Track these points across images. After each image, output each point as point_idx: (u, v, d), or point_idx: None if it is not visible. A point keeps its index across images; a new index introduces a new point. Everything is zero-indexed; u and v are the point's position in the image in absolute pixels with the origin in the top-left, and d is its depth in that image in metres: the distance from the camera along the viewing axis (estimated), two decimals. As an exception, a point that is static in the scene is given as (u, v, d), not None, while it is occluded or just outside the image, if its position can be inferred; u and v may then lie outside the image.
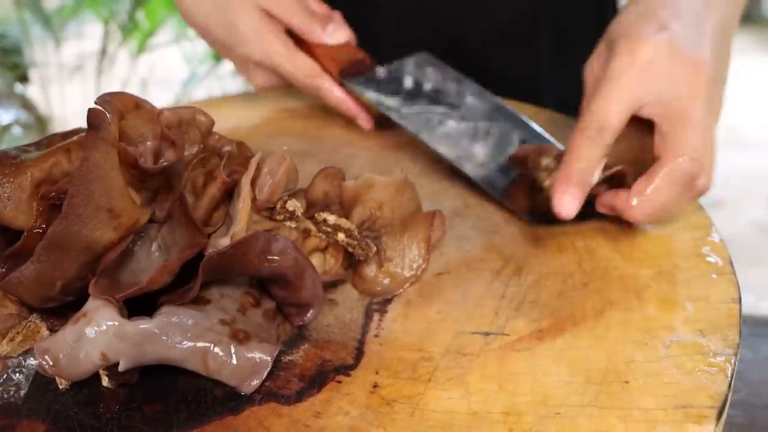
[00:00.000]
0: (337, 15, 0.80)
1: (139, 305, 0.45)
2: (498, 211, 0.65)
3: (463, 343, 0.49)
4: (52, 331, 0.47)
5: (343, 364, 0.47)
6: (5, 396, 0.45)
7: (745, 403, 0.77)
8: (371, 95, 0.77)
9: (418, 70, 0.80)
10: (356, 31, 0.82)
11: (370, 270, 0.55)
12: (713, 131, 0.59)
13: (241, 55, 0.78)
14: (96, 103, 0.46)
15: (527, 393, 0.45)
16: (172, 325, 0.43)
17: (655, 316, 0.51)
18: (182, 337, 0.43)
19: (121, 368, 0.43)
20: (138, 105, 0.49)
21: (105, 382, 0.45)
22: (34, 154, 0.48)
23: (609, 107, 0.57)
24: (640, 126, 0.59)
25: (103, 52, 2.89)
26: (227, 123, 0.84)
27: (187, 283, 0.45)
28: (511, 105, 0.76)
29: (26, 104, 2.79)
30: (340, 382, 0.46)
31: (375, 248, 0.55)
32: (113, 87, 2.84)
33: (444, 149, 0.71)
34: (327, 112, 0.88)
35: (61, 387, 0.45)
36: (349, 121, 0.84)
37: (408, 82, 0.79)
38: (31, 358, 0.47)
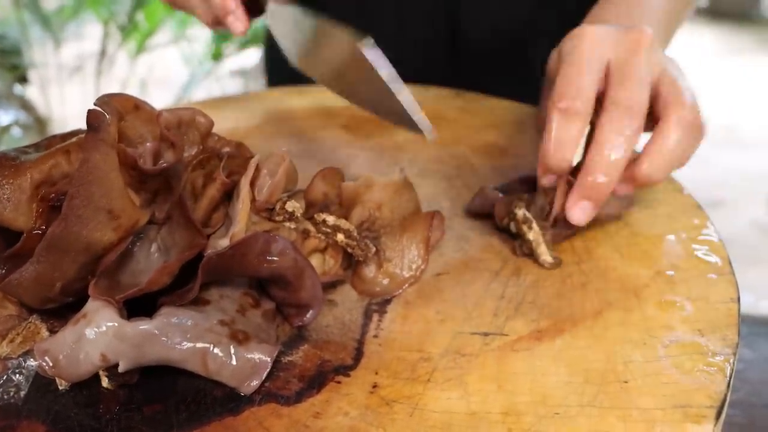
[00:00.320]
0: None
1: (138, 306, 0.45)
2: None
3: (462, 344, 0.49)
4: (52, 332, 0.47)
5: (342, 364, 0.48)
6: (5, 397, 0.45)
7: (744, 403, 0.77)
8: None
9: None
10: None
11: (370, 270, 0.55)
12: (669, 72, 0.61)
13: None
14: (95, 104, 0.46)
15: (526, 393, 0.45)
16: (172, 326, 0.43)
17: (653, 316, 0.51)
18: (182, 338, 0.43)
19: (120, 369, 0.43)
20: (137, 106, 0.49)
21: (105, 383, 0.45)
22: (34, 155, 0.48)
23: (576, 79, 0.60)
24: None
25: (103, 52, 2.89)
26: (226, 124, 0.84)
27: (186, 284, 0.45)
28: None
29: (25, 105, 2.79)
30: (339, 382, 0.46)
31: (374, 249, 0.55)
32: (113, 88, 2.84)
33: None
34: (327, 112, 0.88)
35: (61, 388, 0.45)
36: (349, 122, 0.84)
37: None
38: (31, 359, 0.48)
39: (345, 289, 0.55)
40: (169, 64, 3.36)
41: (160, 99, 2.85)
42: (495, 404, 0.44)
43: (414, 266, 0.56)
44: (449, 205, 0.67)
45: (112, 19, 2.83)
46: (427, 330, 0.51)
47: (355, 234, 0.53)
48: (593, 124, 0.60)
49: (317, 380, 0.46)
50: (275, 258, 0.46)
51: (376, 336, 0.50)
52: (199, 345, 0.44)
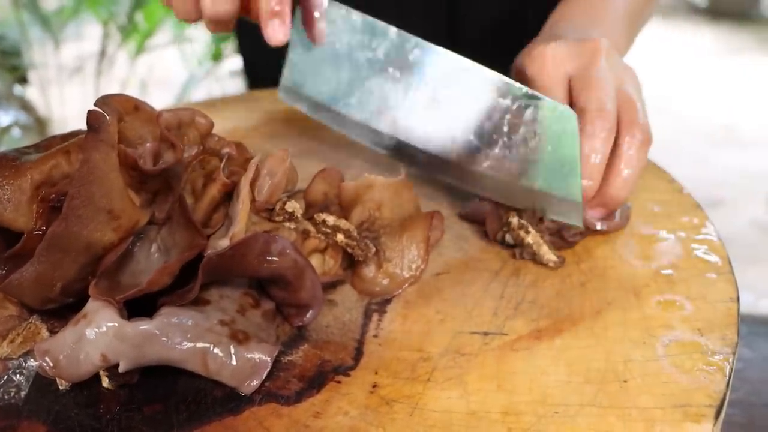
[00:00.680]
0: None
1: (139, 307, 0.45)
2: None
3: (462, 343, 0.49)
4: (53, 332, 0.47)
5: (342, 364, 0.48)
6: (6, 397, 0.45)
7: (744, 402, 0.77)
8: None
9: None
10: None
11: (369, 270, 0.55)
12: (625, 88, 0.63)
13: None
14: (95, 105, 0.46)
15: (526, 392, 0.45)
16: (172, 326, 0.44)
17: (653, 316, 0.52)
18: (182, 337, 0.44)
19: (121, 369, 0.43)
20: (137, 107, 0.49)
21: (105, 383, 0.45)
22: (34, 156, 0.48)
23: (551, 95, 0.62)
24: None
25: (102, 53, 2.89)
26: (226, 124, 0.84)
27: (186, 284, 0.45)
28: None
29: (25, 106, 2.79)
30: (339, 382, 0.46)
31: (374, 249, 0.55)
32: (112, 88, 2.84)
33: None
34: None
35: (61, 388, 0.46)
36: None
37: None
38: (32, 360, 0.48)
39: (345, 289, 0.55)
40: (169, 64, 3.36)
41: (160, 99, 2.85)
42: (495, 404, 0.44)
43: (414, 266, 0.56)
44: (448, 205, 0.67)
45: (111, 20, 2.83)
46: (427, 330, 0.51)
47: (355, 234, 0.54)
48: None
49: (317, 380, 0.46)
50: (275, 258, 0.46)
51: (376, 336, 0.50)
52: (200, 345, 0.44)
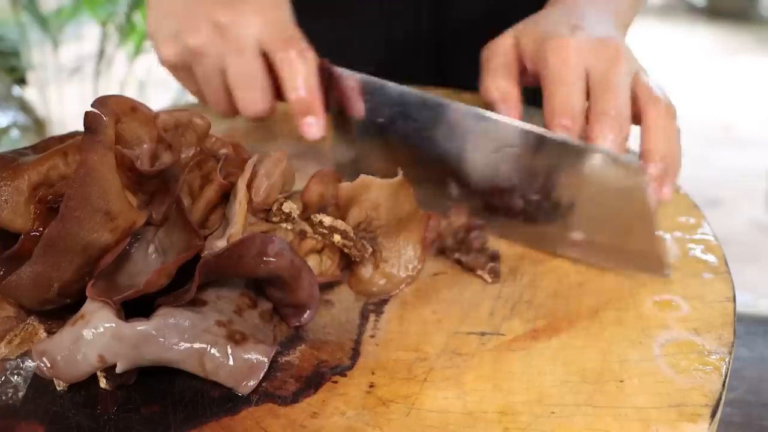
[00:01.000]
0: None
1: (136, 307, 0.45)
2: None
3: (459, 343, 0.49)
4: (50, 333, 0.47)
5: (339, 364, 0.48)
6: (3, 398, 0.45)
7: (741, 402, 0.77)
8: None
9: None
10: (334, 29, 0.80)
11: (366, 271, 0.55)
12: (643, 79, 0.64)
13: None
14: (92, 106, 0.46)
15: (523, 392, 0.45)
16: (169, 327, 0.44)
17: (649, 316, 0.52)
18: (179, 338, 0.44)
19: (118, 370, 0.43)
20: (134, 108, 0.49)
21: (102, 383, 0.45)
22: (31, 157, 0.48)
23: (569, 98, 0.62)
24: None
25: (101, 54, 2.89)
26: (224, 124, 0.84)
27: (184, 284, 0.45)
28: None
29: (24, 107, 2.79)
30: (336, 382, 0.46)
31: (371, 249, 0.55)
32: (111, 89, 2.84)
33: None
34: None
35: (59, 389, 0.46)
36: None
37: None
38: (30, 361, 0.48)
39: (342, 289, 0.56)
40: (168, 65, 3.36)
41: (158, 100, 2.86)
42: (491, 404, 0.44)
43: (410, 266, 0.56)
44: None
45: (110, 21, 2.83)
46: (424, 330, 0.51)
47: (352, 234, 0.54)
48: None
49: (314, 380, 0.46)
50: (272, 259, 0.46)
51: (372, 336, 0.50)
52: (196, 345, 0.44)
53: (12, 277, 0.43)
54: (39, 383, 0.46)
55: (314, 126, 0.68)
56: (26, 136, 2.63)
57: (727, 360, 0.47)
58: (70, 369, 0.43)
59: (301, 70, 0.67)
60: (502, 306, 0.53)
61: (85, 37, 3.31)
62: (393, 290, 0.55)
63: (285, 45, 0.67)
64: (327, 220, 0.53)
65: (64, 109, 2.91)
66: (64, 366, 0.43)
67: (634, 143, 0.62)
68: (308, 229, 0.53)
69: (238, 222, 0.50)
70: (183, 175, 0.51)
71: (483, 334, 0.50)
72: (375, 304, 0.54)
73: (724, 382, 0.46)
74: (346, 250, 0.54)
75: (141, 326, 0.43)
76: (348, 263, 0.56)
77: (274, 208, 0.53)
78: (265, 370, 0.45)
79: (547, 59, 0.65)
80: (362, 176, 0.56)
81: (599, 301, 0.53)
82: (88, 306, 0.44)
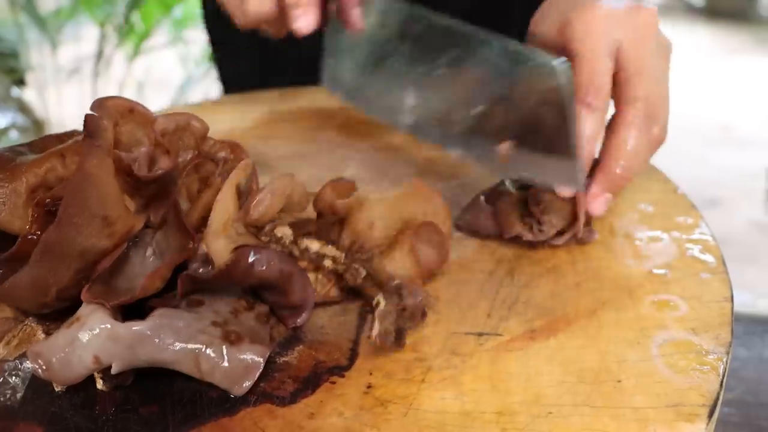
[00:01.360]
0: None
1: (134, 309, 0.45)
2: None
3: (457, 344, 0.49)
4: (48, 334, 0.47)
5: (337, 365, 0.48)
6: (2, 399, 0.45)
7: (739, 401, 0.77)
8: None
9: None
10: None
11: (368, 286, 0.53)
12: (666, 79, 0.63)
13: None
14: (91, 108, 0.46)
15: (520, 393, 0.45)
16: (164, 327, 0.44)
17: (647, 316, 0.52)
18: (174, 338, 0.44)
19: (113, 371, 0.43)
20: (132, 109, 0.49)
21: (100, 384, 0.45)
22: (29, 157, 0.48)
23: (595, 71, 0.60)
24: None
25: (100, 54, 2.89)
26: (222, 126, 0.84)
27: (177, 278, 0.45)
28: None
29: (23, 108, 2.79)
30: (334, 383, 0.46)
31: (364, 273, 0.53)
32: (110, 90, 2.84)
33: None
34: (322, 114, 0.88)
35: (57, 390, 0.46)
36: (344, 123, 0.85)
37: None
38: (28, 362, 0.48)
39: (340, 290, 0.55)
40: (166, 65, 3.36)
41: (157, 101, 2.86)
42: (489, 404, 0.44)
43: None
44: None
45: (108, 21, 2.83)
46: (422, 330, 0.51)
47: (342, 260, 0.52)
48: None
49: (312, 381, 0.46)
50: (261, 270, 0.46)
51: (370, 336, 0.50)
52: (191, 346, 0.44)
53: (9, 281, 0.44)
54: (37, 384, 0.46)
55: (301, 19, 0.69)
56: (25, 137, 2.63)
57: (724, 360, 0.47)
58: (66, 371, 0.43)
59: None
60: (500, 306, 0.53)
61: (83, 38, 3.31)
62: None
63: None
64: (314, 246, 0.52)
65: (63, 109, 2.91)
66: (60, 368, 0.43)
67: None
68: (297, 253, 0.52)
69: (216, 222, 0.48)
70: (181, 179, 0.51)
71: (481, 334, 0.50)
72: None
73: (722, 382, 0.46)
74: (340, 272, 0.53)
75: (136, 327, 0.43)
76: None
77: (267, 228, 0.51)
78: (260, 370, 0.45)
79: (572, 30, 0.62)
80: (356, 194, 0.55)
81: (597, 301, 0.53)
82: (84, 308, 0.44)
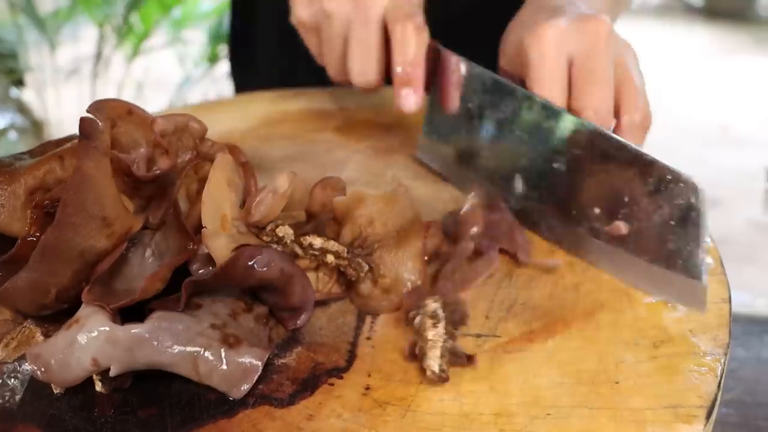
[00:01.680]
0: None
1: (133, 311, 0.46)
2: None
3: (464, 350, 0.49)
4: (47, 336, 0.47)
5: (335, 366, 0.48)
6: (0, 401, 0.45)
7: (738, 402, 0.78)
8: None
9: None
10: None
11: (366, 287, 0.53)
12: (633, 68, 0.64)
13: None
14: (88, 110, 0.46)
15: (518, 394, 0.45)
16: (163, 330, 0.44)
17: (645, 317, 0.52)
18: (173, 341, 0.44)
19: (112, 373, 0.43)
20: (130, 111, 0.50)
21: (98, 386, 0.45)
22: (28, 161, 0.48)
23: (552, 88, 0.62)
24: None
25: (98, 55, 2.89)
26: (221, 127, 0.84)
27: (181, 285, 0.45)
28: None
29: (22, 108, 2.79)
30: (332, 384, 0.46)
31: (367, 267, 0.53)
32: (109, 90, 2.84)
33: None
34: (320, 115, 0.88)
35: (56, 392, 0.46)
36: (342, 125, 0.85)
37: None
38: (26, 364, 0.48)
39: (339, 291, 0.56)
40: (165, 66, 3.36)
41: (155, 101, 2.86)
42: (487, 405, 0.44)
43: (409, 282, 0.54)
44: (443, 208, 0.67)
45: (107, 22, 2.83)
46: (420, 332, 0.51)
47: (345, 254, 0.53)
48: None
49: (310, 382, 0.46)
50: (261, 270, 0.46)
51: (369, 338, 0.51)
52: (190, 349, 0.44)
53: (8, 283, 0.44)
54: (36, 386, 0.46)
55: (410, 98, 0.70)
56: (24, 138, 2.63)
57: (722, 361, 0.47)
58: (64, 373, 0.43)
59: (412, 42, 0.69)
60: (498, 308, 0.53)
61: (82, 38, 3.31)
62: (393, 307, 0.53)
63: (405, 18, 0.69)
64: (317, 242, 0.52)
65: (62, 110, 2.90)
66: (58, 369, 0.43)
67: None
68: (300, 251, 0.52)
69: (209, 220, 0.48)
70: (180, 180, 0.51)
71: (479, 336, 0.50)
72: (371, 307, 0.54)
73: (720, 383, 0.46)
74: (342, 269, 0.53)
75: (135, 329, 0.43)
76: (348, 279, 0.55)
77: (268, 228, 0.51)
78: (259, 373, 0.45)
79: (526, 54, 0.64)
80: (354, 190, 0.55)
81: (595, 302, 0.53)
82: (83, 310, 0.44)
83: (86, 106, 0.47)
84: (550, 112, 0.61)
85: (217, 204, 0.49)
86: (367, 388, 0.46)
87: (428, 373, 0.46)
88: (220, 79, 3.02)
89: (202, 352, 0.44)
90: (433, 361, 0.46)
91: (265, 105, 0.92)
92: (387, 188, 0.57)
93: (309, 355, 0.49)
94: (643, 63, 0.66)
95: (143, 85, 3.05)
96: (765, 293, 2.19)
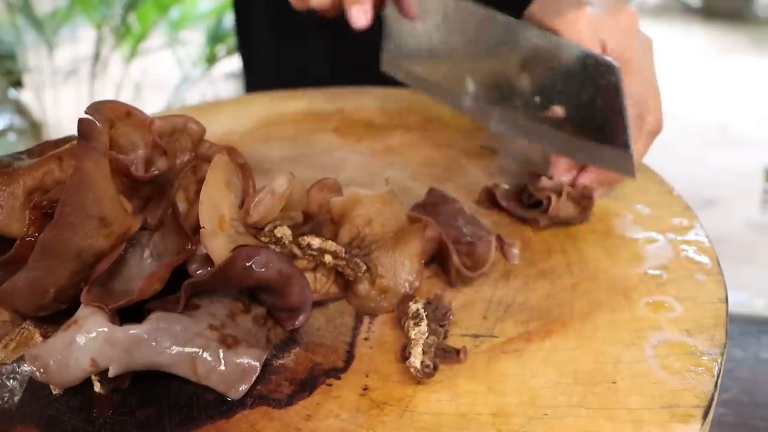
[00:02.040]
0: None
1: (131, 309, 0.46)
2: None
3: (452, 346, 0.49)
4: (46, 337, 0.47)
5: (333, 367, 0.48)
6: (0, 402, 0.46)
7: (735, 402, 0.78)
8: None
9: None
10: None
11: (363, 287, 0.54)
12: (652, 71, 0.66)
13: None
14: (86, 112, 0.46)
15: (515, 394, 0.45)
16: (161, 331, 0.44)
17: (642, 317, 0.52)
18: (171, 342, 0.44)
19: (110, 374, 0.43)
20: (129, 112, 0.50)
21: (97, 387, 0.45)
22: (26, 162, 0.48)
23: None
24: None
25: (97, 56, 2.88)
26: (220, 128, 0.85)
27: (179, 286, 0.45)
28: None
29: (20, 109, 2.79)
30: (330, 385, 0.46)
31: (365, 267, 0.53)
32: (107, 91, 2.84)
33: None
34: (319, 116, 0.88)
35: (55, 393, 0.46)
36: (340, 126, 0.85)
37: None
38: (25, 365, 0.48)
39: (337, 292, 0.56)
40: (163, 67, 3.36)
41: (154, 102, 2.86)
42: (484, 405, 0.44)
43: (408, 283, 0.54)
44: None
45: (105, 22, 2.83)
46: (418, 332, 0.51)
47: (343, 254, 0.53)
48: None
49: (308, 383, 0.47)
50: (259, 270, 0.47)
51: (366, 339, 0.51)
52: (188, 349, 0.44)
53: (7, 284, 0.44)
54: (35, 387, 0.46)
55: (360, 16, 0.71)
56: (22, 139, 2.63)
57: (719, 361, 0.47)
58: (63, 373, 0.43)
59: None
60: (496, 308, 0.53)
61: (80, 39, 3.30)
62: (390, 308, 0.53)
63: None
64: (315, 242, 0.52)
65: (60, 111, 2.90)
66: (57, 370, 0.43)
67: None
68: (298, 252, 0.52)
69: (206, 221, 0.48)
70: (178, 181, 0.51)
71: (476, 336, 0.50)
72: (369, 307, 0.54)
73: (716, 383, 0.46)
74: (339, 269, 0.53)
75: (133, 330, 0.43)
76: (346, 279, 0.55)
77: (267, 228, 0.52)
78: (257, 374, 0.45)
79: (560, 36, 0.65)
80: (351, 191, 0.55)
81: (592, 302, 0.54)
82: (82, 311, 0.44)
83: (84, 107, 0.47)
84: (511, 27, 0.67)
85: (215, 204, 0.49)
86: (365, 389, 0.46)
87: (411, 370, 0.46)
88: (218, 80, 3.02)
89: (200, 353, 0.44)
90: (415, 358, 0.47)
91: (263, 106, 0.92)
92: (384, 189, 0.57)
93: (307, 355, 0.49)
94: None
95: (141, 86, 3.05)
96: (763, 293, 2.19)
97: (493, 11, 0.68)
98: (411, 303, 0.51)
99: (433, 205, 0.63)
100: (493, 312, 0.53)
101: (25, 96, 2.94)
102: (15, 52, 2.81)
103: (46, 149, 0.51)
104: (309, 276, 0.53)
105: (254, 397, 0.45)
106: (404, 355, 0.47)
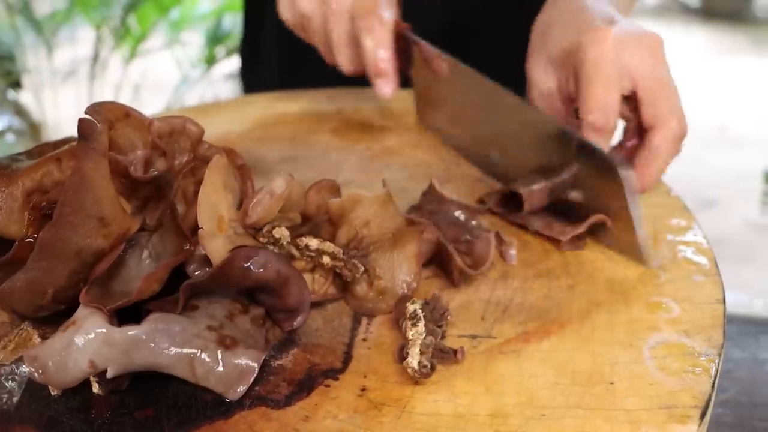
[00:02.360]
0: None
1: (129, 310, 0.46)
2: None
3: (450, 346, 0.49)
4: (44, 338, 0.47)
5: (331, 368, 0.48)
6: (-2, 403, 0.46)
7: (733, 402, 0.78)
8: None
9: None
10: None
11: (361, 288, 0.54)
12: (672, 79, 0.66)
13: None
14: (86, 112, 0.46)
15: (513, 395, 0.45)
16: (160, 332, 0.44)
17: (640, 318, 0.52)
18: (169, 343, 0.44)
19: (109, 375, 0.43)
20: (128, 114, 0.50)
21: (95, 388, 0.45)
22: (25, 163, 0.48)
23: (607, 95, 0.63)
24: None
25: (96, 57, 2.89)
26: (218, 128, 0.85)
27: (178, 286, 0.46)
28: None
29: (19, 110, 2.79)
30: (328, 386, 0.46)
31: (363, 268, 0.53)
32: (106, 92, 2.84)
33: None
34: (317, 117, 0.88)
35: (53, 394, 0.46)
36: (339, 127, 0.85)
37: None
38: (24, 366, 0.48)
39: (335, 293, 0.56)
40: (162, 68, 3.36)
41: (153, 103, 2.86)
42: (482, 406, 0.44)
43: (405, 284, 0.54)
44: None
45: (104, 24, 2.83)
46: (416, 333, 0.51)
47: (341, 255, 0.53)
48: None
49: (306, 384, 0.47)
50: (257, 271, 0.47)
51: (365, 339, 0.51)
52: (186, 350, 0.44)
53: (6, 284, 0.44)
54: (34, 388, 0.46)
55: (384, 87, 0.76)
56: (21, 140, 2.63)
57: (716, 362, 0.47)
58: (61, 374, 0.43)
59: (376, 36, 0.74)
60: (494, 309, 0.53)
61: (79, 40, 3.31)
62: (388, 309, 0.53)
63: (367, 14, 0.73)
64: (313, 243, 0.52)
65: (60, 112, 2.90)
66: (56, 371, 0.43)
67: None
68: (296, 253, 0.53)
69: (205, 221, 0.49)
70: (177, 182, 0.51)
71: (474, 337, 0.51)
72: (367, 308, 0.54)
73: (714, 383, 0.46)
74: (337, 270, 0.53)
75: (131, 331, 0.43)
76: (343, 280, 0.55)
77: (265, 229, 0.52)
78: (255, 375, 0.45)
79: (584, 53, 0.64)
80: (350, 192, 0.55)
81: (590, 303, 0.54)
82: (80, 312, 0.44)
83: (84, 108, 0.47)
84: (518, 109, 0.67)
85: (213, 205, 0.49)
86: (363, 390, 0.46)
87: (409, 370, 0.46)
88: (217, 81, 3.03)
89: (198, 354, 0.44)
90: (412, 359, 0.46)
91: (261, 107, 0.92)
92: (382, 190, 0.57)
93: (305, 356, 0.49)
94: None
95: (140, 87, 3.05)
96: (762, 294, 2.20)
97: (498, 87, 0.68)
98: (408, 304, 0.51)
99: (429, 205, 0.63)
100: (491, 313, 0.53)
101: (24, 97, 2.95)
102: (14, 53, 2.81)
103: (44, 150, 0.51)
104: (307, 277, 0.53)
105: (252, 398, 0.45)
106: (402, 356, 0.48)
